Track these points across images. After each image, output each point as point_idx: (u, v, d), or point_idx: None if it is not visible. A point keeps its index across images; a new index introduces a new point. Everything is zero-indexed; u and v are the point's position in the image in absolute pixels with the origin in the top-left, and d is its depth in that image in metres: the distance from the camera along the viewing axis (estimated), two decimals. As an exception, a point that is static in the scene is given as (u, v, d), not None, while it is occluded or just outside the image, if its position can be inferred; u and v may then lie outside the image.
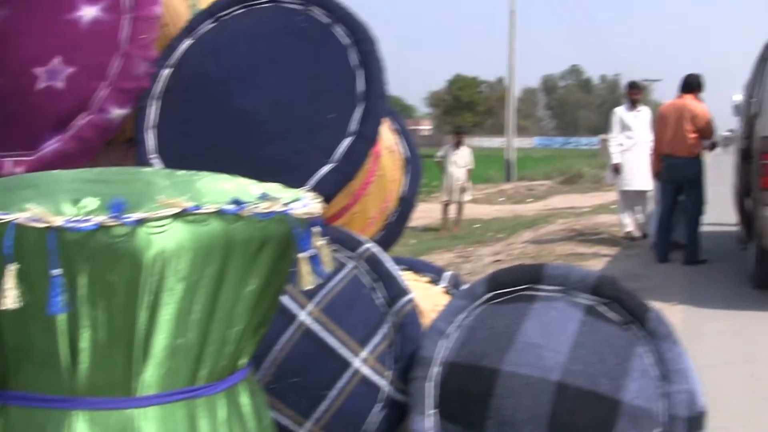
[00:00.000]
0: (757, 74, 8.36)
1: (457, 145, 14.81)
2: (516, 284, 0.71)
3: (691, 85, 9.51)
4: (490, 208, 18.96)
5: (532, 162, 41.34)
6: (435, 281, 1.95)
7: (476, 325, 0.70)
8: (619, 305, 0.69)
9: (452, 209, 14.84)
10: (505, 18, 30.75)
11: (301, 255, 1.66)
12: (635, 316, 0.67)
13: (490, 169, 28.87)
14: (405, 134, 2.93)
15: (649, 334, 0.67)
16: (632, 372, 0.67)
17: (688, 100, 9.36)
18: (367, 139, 2.32)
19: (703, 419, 0.69)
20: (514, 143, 30.52)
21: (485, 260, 10.69)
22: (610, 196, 14.52)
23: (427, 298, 1.52)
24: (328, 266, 1.68)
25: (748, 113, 8.18)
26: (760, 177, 6.93)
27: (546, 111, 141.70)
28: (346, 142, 2.31)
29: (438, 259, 11.57)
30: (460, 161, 14.69)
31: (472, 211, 17.07)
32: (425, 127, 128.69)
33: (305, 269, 1.67)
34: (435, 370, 0.74)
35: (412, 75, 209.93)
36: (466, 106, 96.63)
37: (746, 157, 7.90)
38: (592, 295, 0.70)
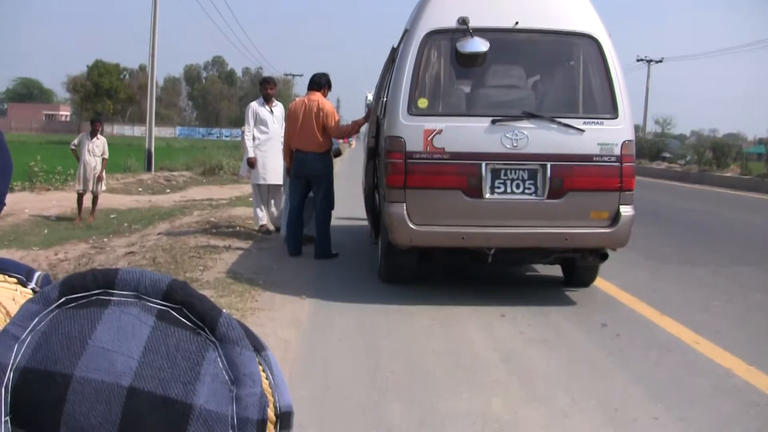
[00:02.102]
0: (385, 76, 8.72)
1: (94, 133, 14.25)
2: (89, 289, 0.61)
3: (318, 83, 9.75)
4: (128, 199, 18.43)
5: (173, 152, 40.84)
6: (24, 282, 1.72)
7: (50, 330, 0.59)
8: (190, 310, 0.62)
9: (87, 199, 14.28)
10: (148, 4, 29.98)
11: None
12: (206, 321, 0.60)
13: (129, 158, 28.04)
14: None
15: (219, 339, 0.61)
16: (203, 377, 0.61)
17: (316, 97, 9.58)
18: None
19: (288, 419, 0.64)
20: (154, 133, 29.83)
21: (119, 251, 10.30)
22: (248, 189, 14.59)
23: (14, 300, 1.31)
24: None
25: (376, 113, 8.51)
26: (387, 175, 7.21)
27: (188, 101, 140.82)
28: None
29: (72, 249, 10.99)
30: (96, 150, 14.19)
31: (108, 201, 16.51)
32: (64, 113, 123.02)
33: None
34: (8, 377, 0.61)
35: (51, 59, 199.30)
36: (106, 93, 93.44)
37: (374, 155, 8.21)
38: (164, 300, 0.62)
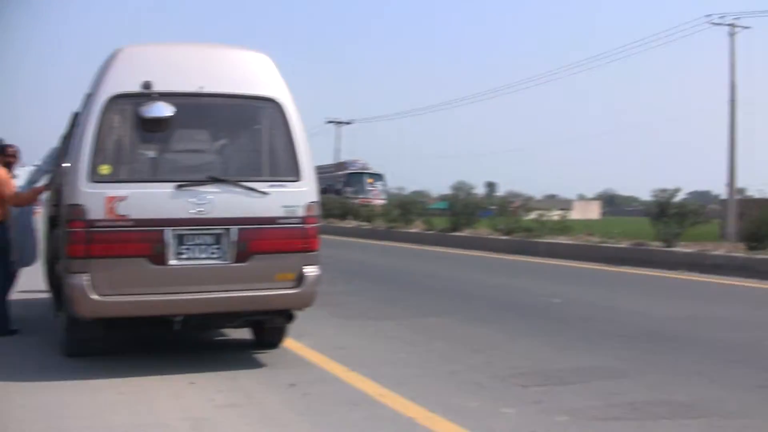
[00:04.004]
0: (65, 143, 8.44)
1: None
2: None
3: None
4: None
5: None
6: None
7: None
8: None
9: None
10: None
11: None
12: None
13: None
14: None
15: None
16: None
17: None
18: None
19: None
20: None
21: None
22: None
23: None
24: None
25: (56, 181, 8.19)
26: (67, 244, 6.94)
27: None
28: None
29: None
30: None
31: None
32: None
33: None
34: None
35: None
36: None
37: (55, 224, 7.89)
38: None
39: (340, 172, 57.58)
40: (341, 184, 55.97)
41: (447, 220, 30.80)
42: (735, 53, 41.37)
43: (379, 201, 51.56)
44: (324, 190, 55.74)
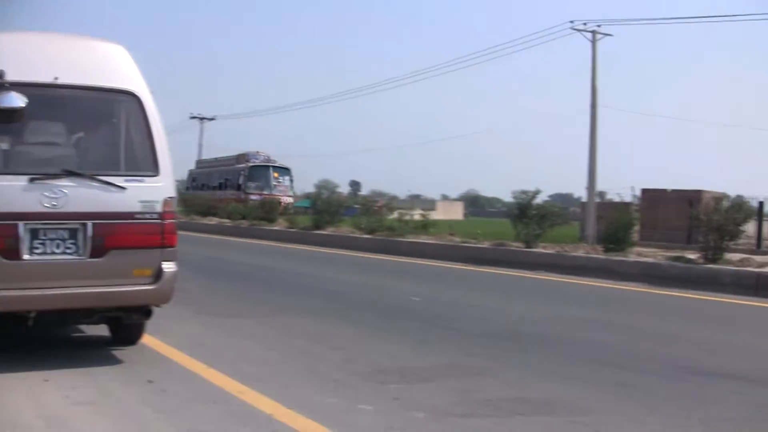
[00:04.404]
0: None
1: None
2: None
3: None
4: None
5: None
6: None
7: None
8: None
9: None
10: None
11: None
12: None
13: None
14: None
15: None
16: None
17: None
18: None
19: None
20: None
21: None
22: None
23: None
24: None
25: None
26: None
27: None
28: None
29: None
30: None
31: None
32: None
33: None
34: None
35: None
36: None
37: None
38: None
39: (240, 165, 53.13)
40: (243, 179, 51.85)
41: (310, 218, 30.81)
42: (597, 59, 42.66)
43: (286, 198, 49.03)
44: (221, 185, 54.29)
